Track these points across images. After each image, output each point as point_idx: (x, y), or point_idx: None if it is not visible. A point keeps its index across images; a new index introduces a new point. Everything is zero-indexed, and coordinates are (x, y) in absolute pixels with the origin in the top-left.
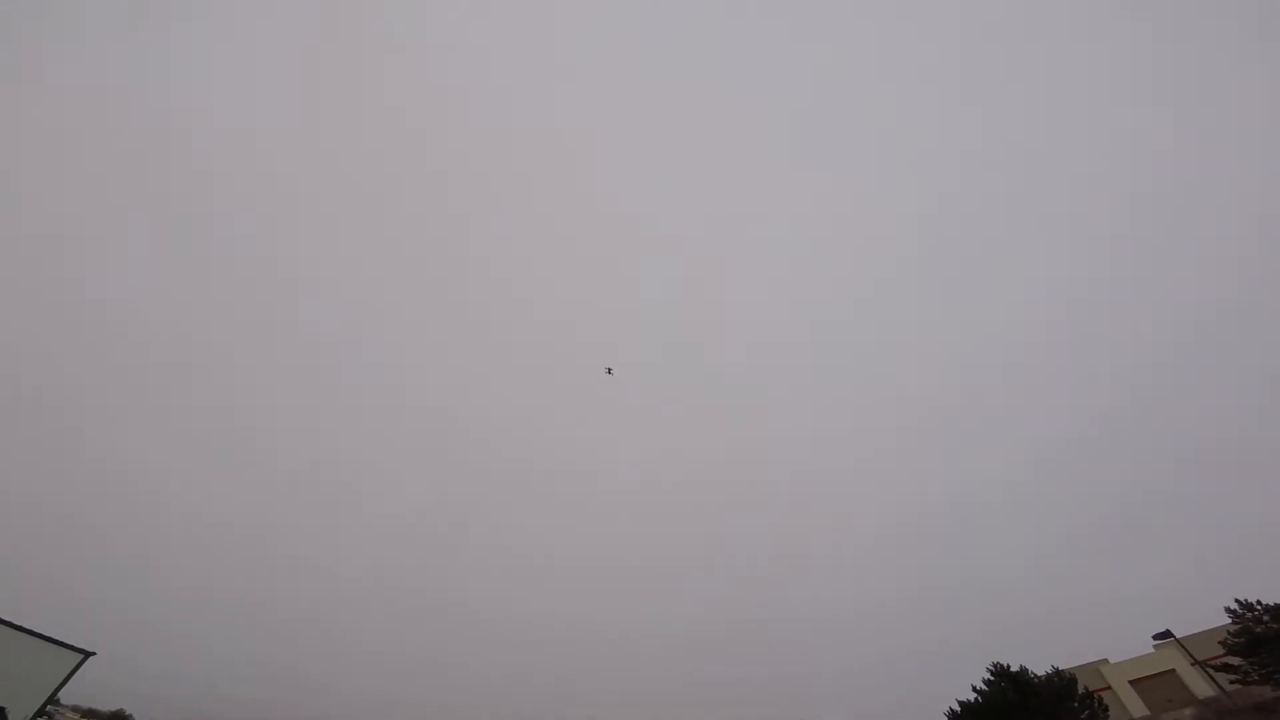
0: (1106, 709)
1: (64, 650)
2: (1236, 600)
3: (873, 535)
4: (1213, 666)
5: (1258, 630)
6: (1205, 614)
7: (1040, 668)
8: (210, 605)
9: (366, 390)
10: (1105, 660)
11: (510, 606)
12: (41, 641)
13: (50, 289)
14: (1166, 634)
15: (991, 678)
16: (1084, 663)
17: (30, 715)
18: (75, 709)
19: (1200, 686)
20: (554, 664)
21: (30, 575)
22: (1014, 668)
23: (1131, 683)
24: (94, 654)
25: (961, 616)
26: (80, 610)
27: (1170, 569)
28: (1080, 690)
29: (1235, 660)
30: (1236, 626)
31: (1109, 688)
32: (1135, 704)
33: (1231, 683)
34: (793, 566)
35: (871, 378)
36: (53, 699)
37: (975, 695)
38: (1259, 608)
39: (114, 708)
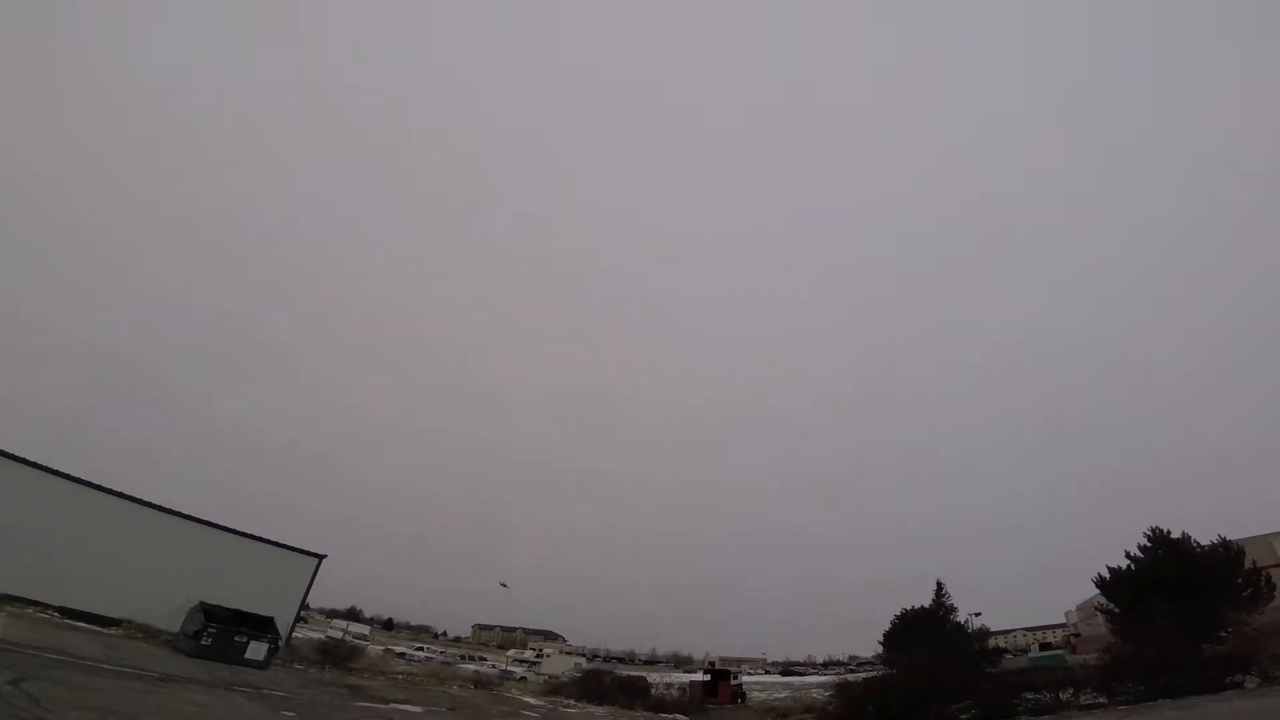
0: (1274, 588)
1: (302, 556)
2: None
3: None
4: None
5: None
6: None
7: (1206, 537)
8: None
9: None
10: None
11: None
12: (283, 550)
13: None
14: None
15: (1149, 544)
16: (1257, 535)
17: (291, 620)
18: (320, 609)
19: None
20: None
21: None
22: (1175, 534)
23: None
24: (325, 556)
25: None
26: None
27: None
28: (1249, 564)
29: None
30: None
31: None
32: None
33: None
34: None
35: None
36: (304, 602)
37: (1129, 561)
38: None
39: (347, 605)
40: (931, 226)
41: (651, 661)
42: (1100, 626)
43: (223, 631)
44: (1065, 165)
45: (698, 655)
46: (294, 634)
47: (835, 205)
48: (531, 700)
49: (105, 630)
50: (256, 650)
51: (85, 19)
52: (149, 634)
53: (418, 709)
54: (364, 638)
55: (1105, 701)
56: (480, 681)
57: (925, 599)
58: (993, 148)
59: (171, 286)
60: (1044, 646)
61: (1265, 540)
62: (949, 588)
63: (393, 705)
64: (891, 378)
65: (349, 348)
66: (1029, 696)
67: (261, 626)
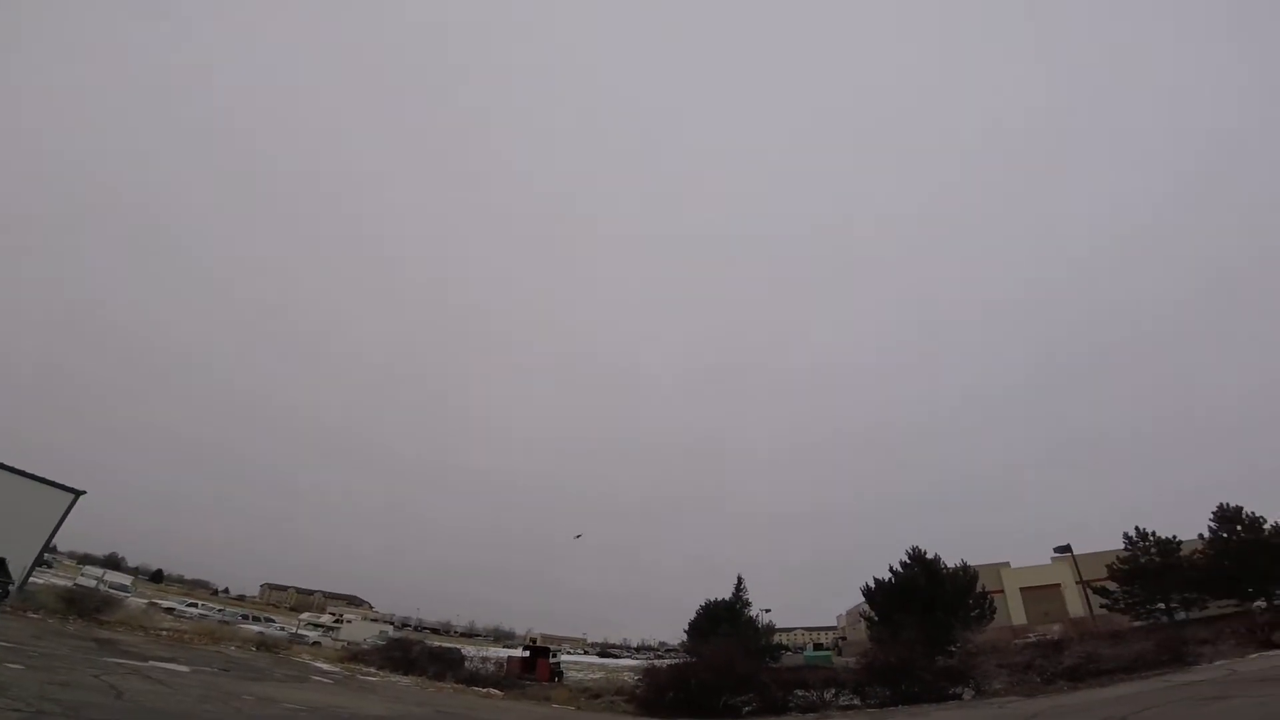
0: (994, 610)
1: (55, 490)
2: (1135, 528)
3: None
4: (1093, 588)
5: (1142, 561)
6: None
7: (953, 560)
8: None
9: None
10: (1007, 564)
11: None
12: (31, 481)
13: None
14: (1066, 548)
15: (908, 560)
16: (989, 563)
17: (29, 563)
18: (71, 554)
19: (1076, 605)
20: None
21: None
22: (930, 555)
23: (1022, 590)
24: (84, 493)
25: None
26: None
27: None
28: (979, 588)
29: (1113, 586)
30: (1126, 553)
31: (1002, 591)
32: (1019, 611)
33: (1101, 606)
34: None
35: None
36: (49, 544)
37: (891, 575)
38: (1150, 538)
39: (106, 552)
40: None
41: (470, 634)
42: (863, 632)
43: None
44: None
45: (520, 631)
46: (32, 578)
47: None
48: (325, 666)
49: None
50: None
51: None
52: None
53: (184, 668)
54: (124, 588)
55: (859, 704)
56: (265, 643)
57: (727, 591)
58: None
59: None
60: (817, 646)
61: (995, 569)
62: (747, 582)
63: (152, 663)
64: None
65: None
66: (800, 693)
67: None
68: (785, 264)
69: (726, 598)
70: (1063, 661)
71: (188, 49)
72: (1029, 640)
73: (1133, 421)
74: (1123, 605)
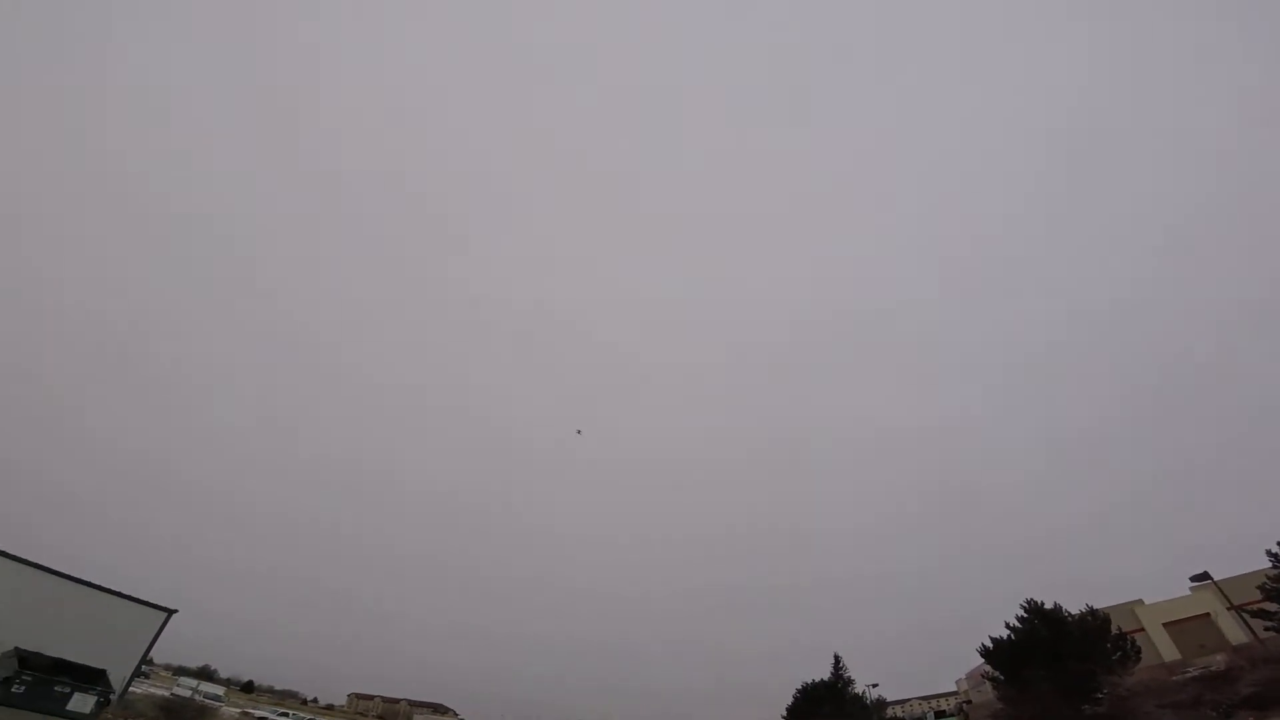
0: (1139, 651)
1: (149, 609)
2: (1278, 543)
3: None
4: (1248, 612)
5: None
6: (1248, 558)
7: (1076, 607)
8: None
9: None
10: (1140, 601)
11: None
12: (127, 602)
13: None
14: (1204, 576)
15: (1025, 614)
16: (1119, 603)
17: (128, 674)
18: (166, 666)
19: (1235, 632)
20: None
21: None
22: (1048, 605)
23: (1165, 625)
24: (176, 611)
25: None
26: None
27: (1217, 511)
28: (1114, 630)
29: (1272, 606)
30: (1276, 571)
31: (1143, 629)
32: (1168, 647)
33: (1266, 629)
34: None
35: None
36: (146, 657)
37: (1009, 632)
38: None
39: (199, 663)
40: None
41: None
42: (989, 693)
43: (40, 680)
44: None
45: None
46: (131, 689)
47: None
48: None
49: None
50: (82, 703)
51: None
52: None
53: None
54: (217, 698)
55: None
56: None
57: (823, 671)
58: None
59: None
60: (939, 714)
61: (1127, 608)
62: (846, 659)
63: None
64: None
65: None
66: None
67: (89, 678)
68: (856, 331)
69: (825, 678)
70: (1239, 691)
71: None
72: (1189, 675)
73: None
74: None
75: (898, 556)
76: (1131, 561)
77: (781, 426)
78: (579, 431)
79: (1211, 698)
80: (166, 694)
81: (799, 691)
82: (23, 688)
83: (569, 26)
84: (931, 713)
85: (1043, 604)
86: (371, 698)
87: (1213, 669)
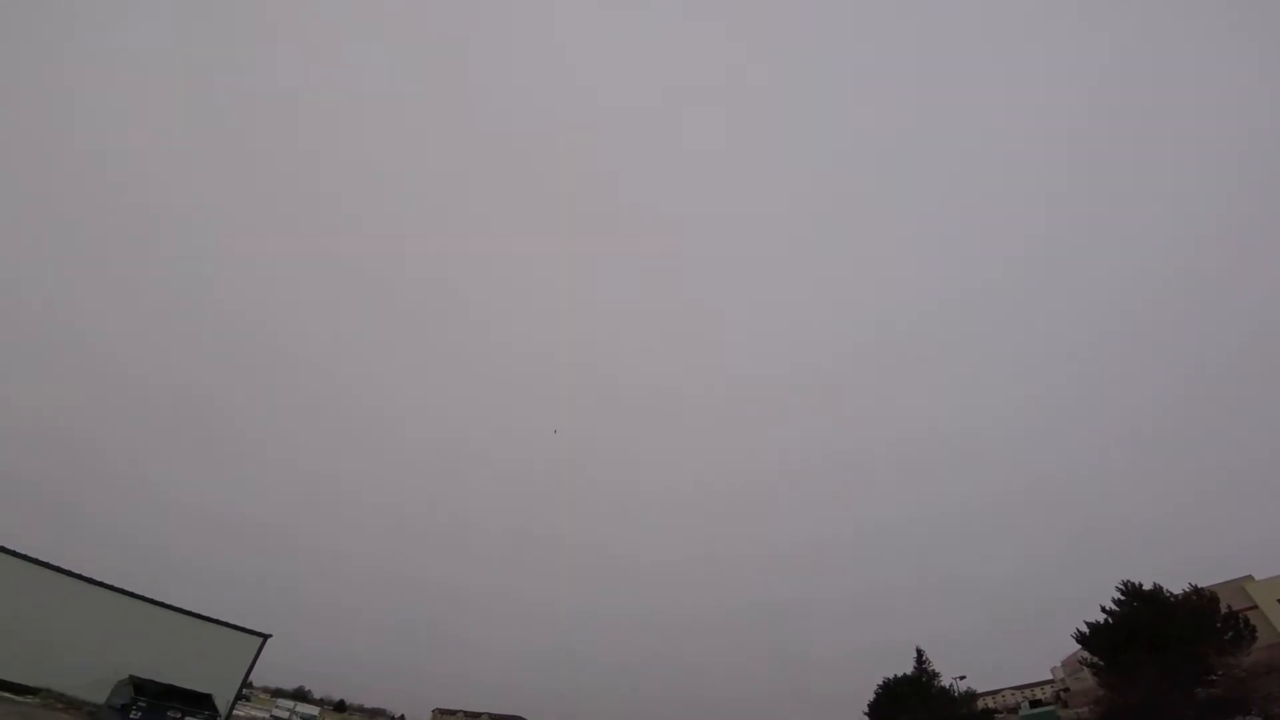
0: (1254, 629)
1: (246, 635)
2: None
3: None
4: None
5: None
6: None
7: (1177, 588)
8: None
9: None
10: (1250, 577)
11: None
12: (225, 629)
13: None
14: None
15: (1123, 597)
16: (1227, 580)
17: (232, 697)
18: (264, 689)
19: None
20: None
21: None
22: (1147, 586)
23: None
24: (270, 635)
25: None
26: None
27: None
28: (1223, 609)
29: None
30: None
31: (1255, 606)
32: None
33: None
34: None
35: None
36: (246, 680)
37: (1105, 616)
38: None
39: (294, 685)
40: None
41: None
42: (1088, 679)
43: (154, 705)
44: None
45: None
46: (235, 712)
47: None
48: None
49: (20, 698)
50: None
51: None
52: (70, 704)
53: None
54: (312, 717)
55: None
56: None
57: (905, 667)
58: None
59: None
60: (1034, 704)
61: (1237, 585)
62: (929, 653)
63: None
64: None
65: (301, 414)
66: None
67: (197, 703)
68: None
69: (908, 672)
70: None
71: None
72: None
73: None
74: None
75: (976, 556)
76: (1233, 543)
77: (843, 439)
78: (555, 431)
79: None
80: (266, 716)
81: (880, 687)
82: (139, 714)
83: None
84: (1026, 702)
85: (1140, 585)
86: (455, 713)
87: None
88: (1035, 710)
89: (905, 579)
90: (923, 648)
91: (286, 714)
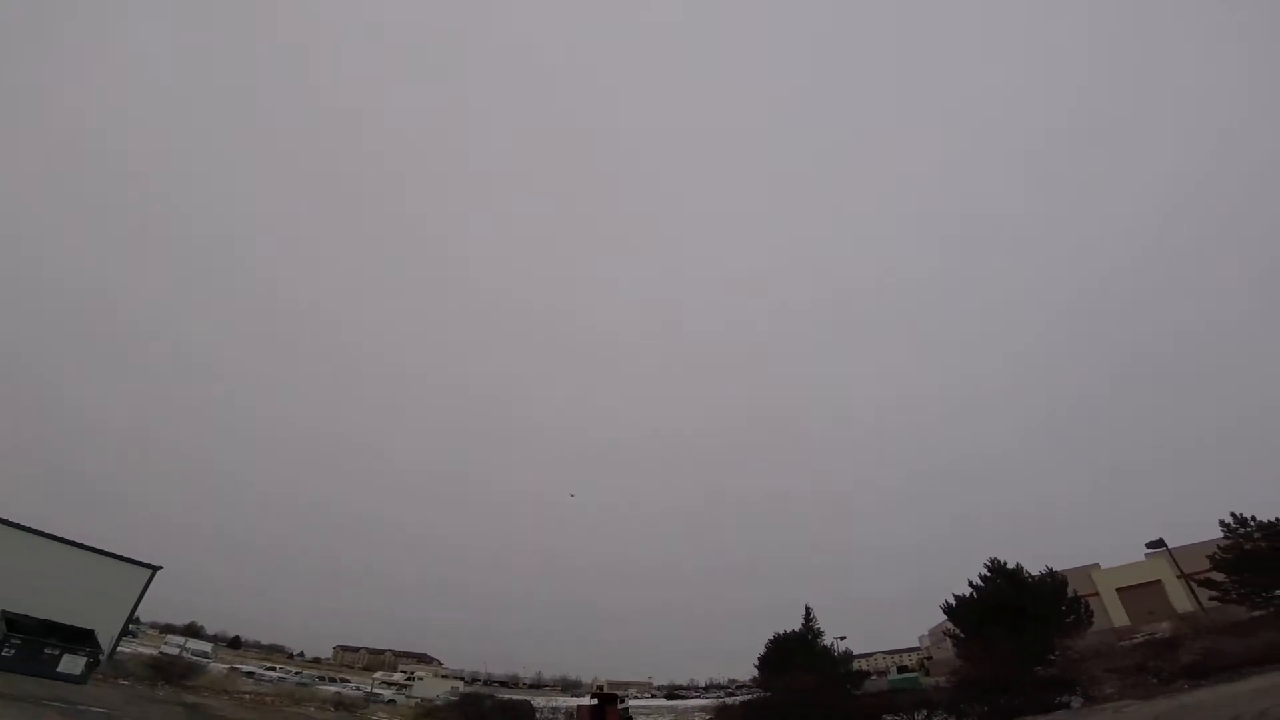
0: (1091, 614)
1: (134, 566)
2: (1232, 514)
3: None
4: (1197, 581)
5: (1247, 547)
6: (1205, 526)
7: (1036, 569)
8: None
9: None
10: (1097, 565)
11: None
12: (111, 560)
13: None
14: (1159, 543)
15: (989, 574)
16: (1077, 566)
17: (116, 634)
18: (153, 624)
19: (1182, 600)
20: None
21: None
22: (1010, 565)
23: (1119, 590)
24: (160, 568)
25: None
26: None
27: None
28: (1070, 593)
29: (1219, 577)
30: (1227, 542)
31: (1097, 594)
32: (1119, 613)
33: (1211, 599)
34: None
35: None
36: (133, 616)
37: (971, 590)
38: (1252, 524)
39: (186, 621)
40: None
41: (537, 685)
42: (949, 650)
43: (29, 642)
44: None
45: (586, 679)
46: (119, 648)
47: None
48: None
49: None
50: (72, 664)
51: None
52: None
53: None
54: (205, 655)
55: None
56: (343, 704)
57: (797, 624)
58: None
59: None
60: (901, 669)
61: (1084, 571)
62: (817, 613)
63: None
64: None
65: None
66: (888, 718)
67: (78, 639)
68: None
69: (796, 629)
70: (1180, 659)
71: None
72: (1136, 641)
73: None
74: (1235, 596)
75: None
76: (1101, 533)
77: (764, 406)
78: (572, 495)
79: (1154, 665)
80: (154, 652)
81: (771, 642)
82: (12, 651)
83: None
84: (894, 667)
85: (1005, 564)
86: (357, 649)
87: (1158, 636)
88: (901, 676)
89: (802, 545)
90: (811, 606)
91: (176, 650)
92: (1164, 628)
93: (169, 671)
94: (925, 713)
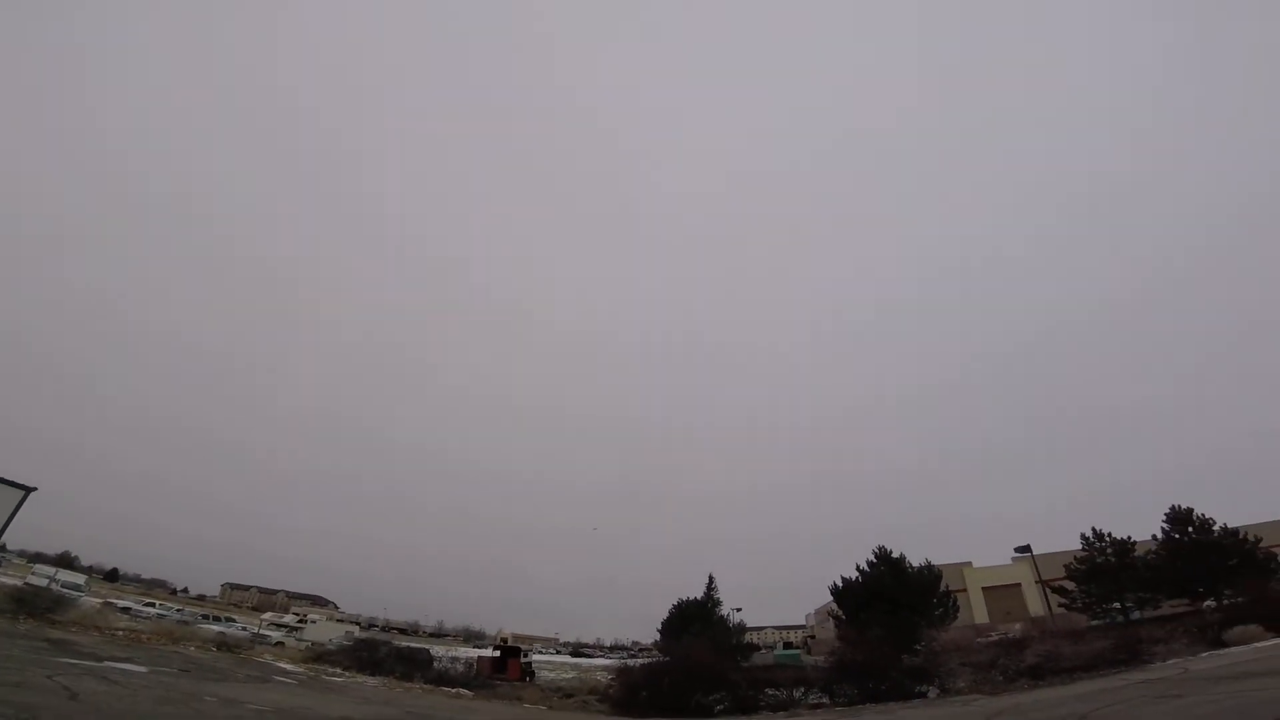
0: (957, 609)
1: (4, 487)
2: (1093, 529)
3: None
4: (1051, 588)
5: (1098, 561)
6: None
7: (920, 560)
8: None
9: None
10: (970, 564)
11: None
12: None
13: None
14: (1026, 548)
15: (875, 560)
16: (955, 562)
17: None
18: (21, 553)
19: (1037, 604)
20: None
21: None
22: (895, 554)
23: (984, 589)
24: (35, 489)
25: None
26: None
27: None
28: (943, 587)
29: (1070, 585)
30: (1083, 554)
31: (965, 590)
32: (981, 610)
33: (1060, 605)
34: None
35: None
36: None
37: (858, 574)
38: (1106, 539)
39: (59, 550)
40: None
41: (439, 634)
42: (831, 631)
43: None
44: None
45: (490, 631)
46: None
47: None
48: (288, 666)
49: None
50: None
51: None
52: None
53: (141, 668)
54: (78, 588)
55: (828, 702)
56: (226, 644)
57: (699, 589)
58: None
59: None
60: (787, 645)
61: (958, 568)
62: (719, 581)
63: (108, 663)
64: None
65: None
66: (770, 692)
67: None
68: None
69: (698, 597)
70: (1024, 660)
71: None
72: (991, 639)
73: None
74: (1080, 604)
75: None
76: (985, 519)
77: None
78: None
79: (1003, 663)
80: (19, 583)
81: (674, 607)
82: None
83: None
84: (781, 643)
85: (891, 552)
86: (248, 588)
87: (1010, 636)
88: (785, 652)
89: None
90: (714, 575)
91: (45, 581)
92: (1016, 628)
93: (34, 604)
94: (802, 689)
